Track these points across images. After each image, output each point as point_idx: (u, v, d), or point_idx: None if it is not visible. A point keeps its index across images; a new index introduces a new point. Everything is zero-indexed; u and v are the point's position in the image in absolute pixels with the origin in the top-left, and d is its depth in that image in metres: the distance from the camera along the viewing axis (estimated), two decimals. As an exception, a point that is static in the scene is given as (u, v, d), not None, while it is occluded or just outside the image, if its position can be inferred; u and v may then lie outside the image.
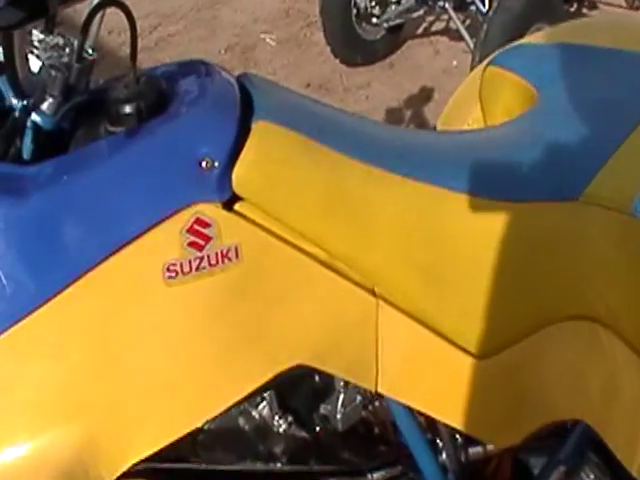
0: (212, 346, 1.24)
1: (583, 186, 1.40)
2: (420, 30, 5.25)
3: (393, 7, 4.75)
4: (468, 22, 4.81)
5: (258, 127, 1.24)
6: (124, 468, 1.21)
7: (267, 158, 1.24)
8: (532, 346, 1.43)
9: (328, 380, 1.47)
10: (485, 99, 1.81)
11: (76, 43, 1.24)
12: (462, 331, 1.38)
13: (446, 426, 1.50)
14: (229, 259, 1.20)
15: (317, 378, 1.47)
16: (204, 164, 1.19)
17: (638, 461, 1.41)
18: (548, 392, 1.47)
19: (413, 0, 4.64)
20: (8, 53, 1.19)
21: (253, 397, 1.39)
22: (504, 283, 1.38)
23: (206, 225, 1.19)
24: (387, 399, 1.43)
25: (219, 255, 1.20)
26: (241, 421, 1.43)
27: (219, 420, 1.36)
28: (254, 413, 1.43)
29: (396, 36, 5.01)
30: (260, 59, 5.21)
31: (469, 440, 1.56)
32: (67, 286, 1.15)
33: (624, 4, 5.01)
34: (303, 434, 1.47)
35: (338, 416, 1.48)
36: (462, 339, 1.38)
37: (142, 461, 1.23)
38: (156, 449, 1.22)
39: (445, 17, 4.99)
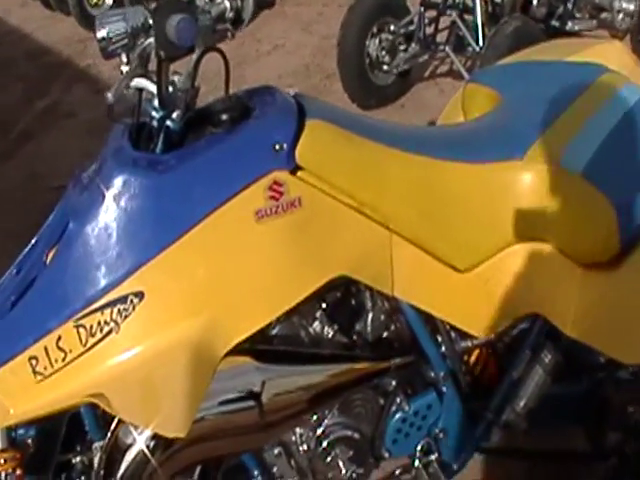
0: (287, 260, 1.81)
1: (525, 150, 1.99)
2: (426, 73, 5.78)
3: (401, 54, 5.26)
4: (469, 63, 5.29)
5: (309, 123, 1.85)
6: (233, 343, 1.76)
7: (316, 141, 1.84)
8: (500, 261, 2.01)
9: (361, 303, 2.07)
10: (466, 109, 2.41)
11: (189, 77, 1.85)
12: (449, 253, 1.99)
13: (443, 323, 2.09)
14: (295, 206, 1.79)
15: (354, 302, 2.08)
16: (277, 147, 1.79)
17: (570, 325, 1.99)
18: (514, 294, 2.04)
19: (418, 47, 5.15)
20: (160, 79, 1.78)
21: (311, 311, 1.99)
22: (477, 217, 1.99)
23: (280, 185, 1.78)
24: (401, 303, 2.02)
25: (288, 204, 1.79)
26: (303, 330, 2.02)
27: (289, 326, 1.97)
28: (311, 325, 2.03)
29: (405, 80, 5.52)
30: (286, 109, 5.73)
31: (460, 335, 2.14)
32: (197, 223, 1.73)
33: (607, 36, 5.48)
34: (344, 338, 2.06)
35: (368, 329, 2.10)
36: (450, 259, 1.99)
37: (244, 342, 1.79)
38: (253, 330, 1.78)
39: (448, 60, 5.51)
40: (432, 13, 5.20)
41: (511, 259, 2.02)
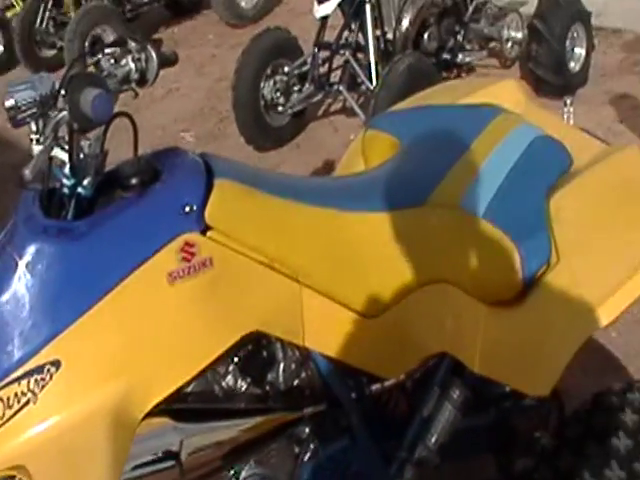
0: (201, 319, 1.85)
1: (426, 197, 2.07)
2: (320, 112, 5.86)
3: (295, 95, 5.32)
4: (362, 99, 5.41)
5: (217, 183, 1.89)
6: (151, 406, 1.79)
7: (225, 201, 1.89)
8: (408, 304, 2.08)
9: (273, 355, 2.10)
10: (366, 156, 2.47)
11: (98, 142, 1.87)
12: (358, 300, 2.05)
13: (354, 369, 2.12)
14: (206, 266, 1.83)
15: (265, 354, 2.10)
16: (187, 209, 1.82)
17: (477, 362, 2.04)
18: (422, 335, 2.11)
19: (312, 87, 5.21)
20: (71, 148, 1.79)
21: (223, 366, 2.00)
22: (382, 264, 2.06)
23: (191, 246, 1.81)
24: (312, 352, 2.06)
25: (200, 264, 1.82)
26: (217, 385, 2.03)
27: (203, 382, 1.98)
28: (224, 380, 2.04)
29: (300, 120, 5.58)
30: (182, 155, 5.75)
31: (371, 378, 2.18)
32: (111, 289, 1.75)
33: (498, 65, 5.78)
34: (257, 390, 2.08)
35: (280, 380, 2.11)
36: (359, 306, 2.05)
37: (160, 404, 1.81)
38: (170, 391, 1.81)
39: (341, 98, 5.58)
40: (326, 53, 5.28)
41: (418, 302, 2.09)
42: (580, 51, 5.67)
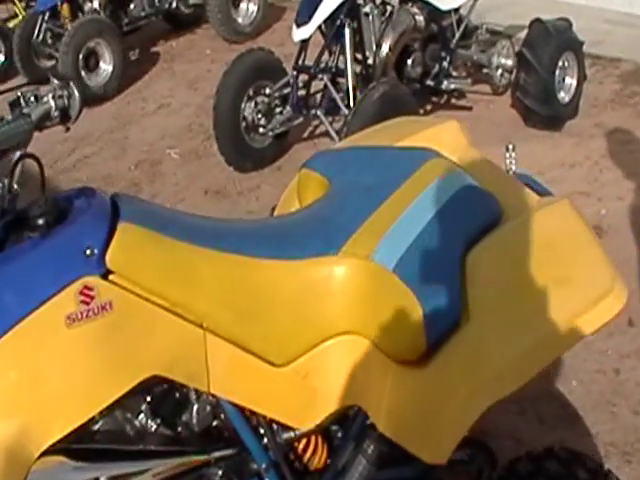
0: (99, 363, 1.81)
1: (340, 245, 2.01)
2: (304, 134, 5.81)
3: (277, 117, 5.27)
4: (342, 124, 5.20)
5: (121, 226, 1.87)
6: (46, 445, 1.76)
7: (126, 245, 1.86)
8: (318, 355, 2.03)
9: (186, 396, 2.06)
10: (300, 196, 2.42)
11: (6, 182, 1.87)
12: (266, 349, 2.00)
13: (264, 416, 2.08)
14: (106, 310, 1.80)
15: (178, 395, 2.06)
16: (88, 252, 1.80)
17: (383, 421, 1.99)
18: (332, 387, 2.05)
19: (291, 110, 5.17)
20: None
21: (134, 405, 1.98)
22: (291, 313, 2.01)
23: (90, 289, 1.79)
24: (219, 398, 2.01)
25: (99, 308, 1.80)
26: (125, 422, 2.00)
27: (112, 421, 1.95)
28: (134, 418, 2.00)
29: (282, 142, 5.53)
30: (165, 172, 5.75)
31: (283, 426, 2.13)
32: (9, 329, 1.72)
33: (489, 91, 5.70)
34: (168, 431, 2.04)
35: (193, 421, 2.07)
36: (266, 354, 2.00)
37: (57, 443, 1.78)
38: (66, 432, 1.77)
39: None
40: (306, 76, 5.24)
41: (328, 353, 2.05)
42: (571, 81, 5.60)
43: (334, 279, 2.02)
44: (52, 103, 1.97)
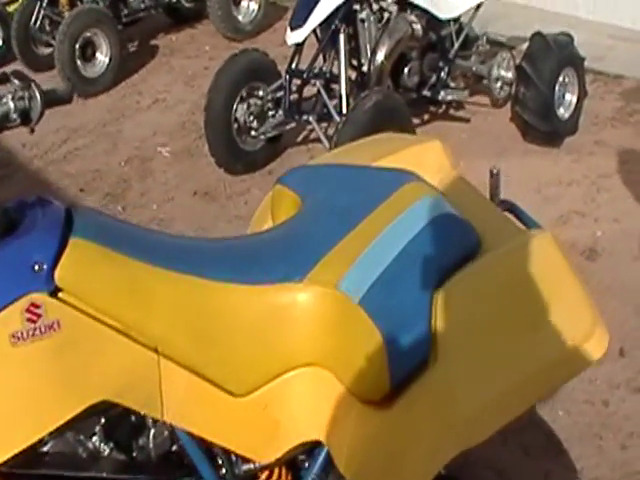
0: (44, 385, 1.74)
1: (307, 271, 1.91)
2: (299, 138, 5.70)
3: (270, 120, 5.16)
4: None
5: (72, 242, 1.79)
6: None
7: (77, 262, 1.78)
8: (280, 386, 1.93)
9: (142, 421, 1.98)
10: (274, 213, 2.33)
11: None
12: (223, 377, 1.91)
13: (222, 446, 1.99)
14: (53, 329, 1.73)
15: (134, 419, 1.97)
16: (36, 267, 1.73)
17: (344, 461, 1.89)
18: (294, 421, 1.96)
19: (283, 115, 5.05)
20: None
21: (86, 428, 1.90)
22: (251, 340, 1.91)
23: (37, 307, 1.71)
24: (174, 426, 1.93)
25: (47, 327, 1.72)
26: (78, 445, 1.92)
27: (61, 444, 1.87)
28: (87, 441, 1.93)
29: (275, 146, 5.42)
30: (155, 170, 5.66)
31: (243, 458, 2.03)
32: None
33: (488, 103, 5.52)
34: (122, 457, 1.96)
35: (149, 447, 2.00)
36: (224, 383, 1.91)
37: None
38: (7, 456, 1.71)
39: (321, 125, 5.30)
40: (299, 81, 5.11)
41: (290, 384, 1.95)
42: (571, 97, 5.46)
43: (297, 307, 1.92)
44: (11, 104, 1.89)
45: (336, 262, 1.94)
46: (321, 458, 2.06)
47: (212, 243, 2.16)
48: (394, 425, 1.85)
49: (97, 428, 1.94)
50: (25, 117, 1.92)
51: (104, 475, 1.95)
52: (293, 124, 5.18)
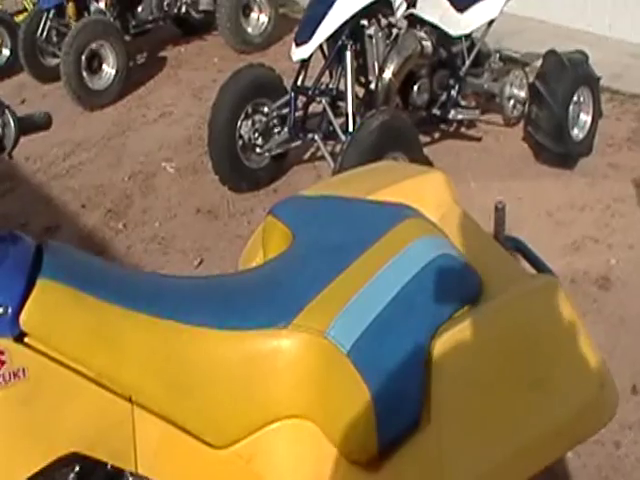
0: (6, 436, 1.62)
1: (292, 317, 1.78)
2: (305, 156, 5.57)
3: (275, 137, 5.03)
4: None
5: (40, 283, 1.66)
6: None
7: (44, 305, 1.65)
8: (264, 438, 1.80)
9: (118, 470, 1.83)
10: (265, 247, 2.21)
11: None
12: (201, 428, 1.78)
13: None
14: (18, 377, 1.61)
15: (109, 466, 1.82)
16: (0, 310, 1.60)
17: None
18: (278, 476, 1.82)
19: (288, 133, 4.92)
20: None
21: (59, 476, 1.75)
22: (232, 390, 1.78)
23: (1, 353, 1.59)
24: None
25: (11, 374, 1.60)
26: None
27: None
28: None
29: (280, 163, 5.29)
30: (159, 186, 5.54)
31: None
32: None
33: (501, 121, 5.37)
34: None
35: None
36: (203, 434, 1.78)
37: None
38: None
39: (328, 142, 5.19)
40: (305, 98, 4.98)
41: (275, 437, 1.81)
42: (585, 118, 5.29)
43: (282, 355, 1.78)
44: None
45: (324, 307, 1.80)
46: None
47: (190, 282, 2.02)
48: None
49: (71, 476, 1.80)
50: None
51: None
52: (299, 142, 5.03)
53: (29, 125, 1.88)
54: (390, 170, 2.56)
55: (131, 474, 1.83)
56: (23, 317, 1.64)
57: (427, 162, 5.00)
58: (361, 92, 4.95)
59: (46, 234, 5.08)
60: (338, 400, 1.75)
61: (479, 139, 5.65)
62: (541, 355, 1.82)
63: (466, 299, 1.88)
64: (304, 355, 1.77)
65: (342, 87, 4.71)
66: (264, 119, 5.02)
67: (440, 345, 1.76)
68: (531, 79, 5.16)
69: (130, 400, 1.73)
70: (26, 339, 1.65)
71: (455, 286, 1.90)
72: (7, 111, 1.82)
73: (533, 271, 2.15)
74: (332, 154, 4.84)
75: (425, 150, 5.23)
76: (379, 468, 1.71)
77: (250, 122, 5.00)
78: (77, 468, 1.79)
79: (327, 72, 4.88)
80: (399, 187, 2.20)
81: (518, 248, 2.22)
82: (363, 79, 4.90)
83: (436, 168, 2.42)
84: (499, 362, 1.78)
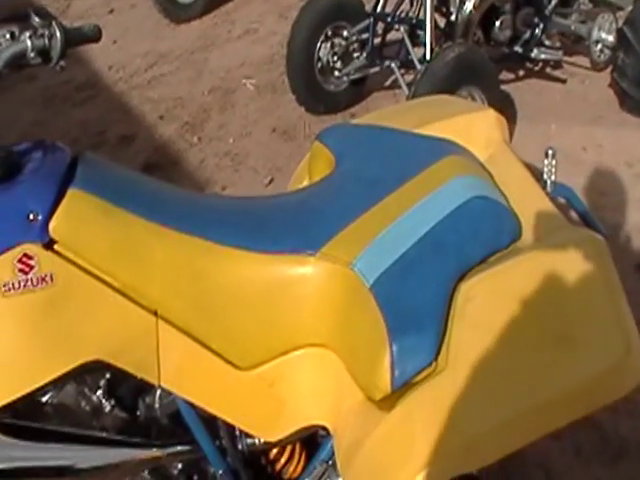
0: (34, 339, 1.67)
1: (321, 245, 1.78)
2: (387, 82, 5.49)
3: (355, 62, 4.99)
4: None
5: (70, 192, 1.70)
6: None
7: (73, 214, 1.69)
8: (287, 364, 1.82)
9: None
10: (310, 169, 2.20)
11: None
12: (226, 348, 1.80)
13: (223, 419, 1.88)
14: (46, 282, 1.65)
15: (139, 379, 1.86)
16: (31, 216, 1.65)
17: (342, 460, 1.75)
18: (299, 402, 1.85)
19: (366, 59, 4.88)
20: None
21: (91, 381, 1.84)
22: (257, 312, 1.80)
23: (30, 258, 1.64)
24: (173, 393, 1.83)
25: (39, 279, 1.64)
26: (80, 398, 1.85)
27: (63, 394, 1.81)
28: (90, 395, 1.85)
29: (359, 88, 5.24)
30: (237, 102, 5.54)
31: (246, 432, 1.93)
32: None
33: (589, 65, 5.21)
34: (124, 415, 1.89)
35: (155, 407, 1.92)
36: (227, 354, 1.80)
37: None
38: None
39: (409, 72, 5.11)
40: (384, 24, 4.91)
41: (298, 363, 1.83)
42: (674, 68, 5.09)
43: (307, 282, 1.79)
44: (29, 43, 1.78)
45: (353, 238, 1.79)
46: (328, 445, 1.96)
47: (225, 202, 2.04)
48: (390, 434, 1.66)
49: (102, 382, 1.86)
50: (45, 56, 1.81)
51: (103, 435, 1.88)
52: (377, 68, 4.97)
53: (76, 37, 1.88)
54: (444, 105, 2.51)
55: (159, 387, 1.87)
56: (52, 225, 1.67)
57: (505, 99, 4.92)
58: (441, 22, 4.85)
59: (122, 143, 5.15)
60: (356, 333, 1.75)
61: (564, 81, 5.50)
62: (570, 313, 1.74)
63: (500, 244, 1.84)
64: (328, 284, 1.77)
65: (422, 16, 4.61)
66: (343, 43, 4.97)
67: (466, 289, 1.73)
68: (621, 24, 4.98)
69: (155, 314, 1.76)
70: (55, 246, 1.68)
71: (489, 230, 1.86)
72: (54, 22, 1.82)
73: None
74: (410, 83, 4.76)
75: (507, 87, 5.13)
76: (392, 406, 1.68)
77: (329, 45, 4.96)
78: (108, 375, 1.85)
79: (407, 0, 4.81)
80: (450, 122, 2.15)
81: (566, 197, 2.16)
82: (444, 9, 4.79)
83: (489, 107, 2.33)
84: (526, 313, 1.69)
